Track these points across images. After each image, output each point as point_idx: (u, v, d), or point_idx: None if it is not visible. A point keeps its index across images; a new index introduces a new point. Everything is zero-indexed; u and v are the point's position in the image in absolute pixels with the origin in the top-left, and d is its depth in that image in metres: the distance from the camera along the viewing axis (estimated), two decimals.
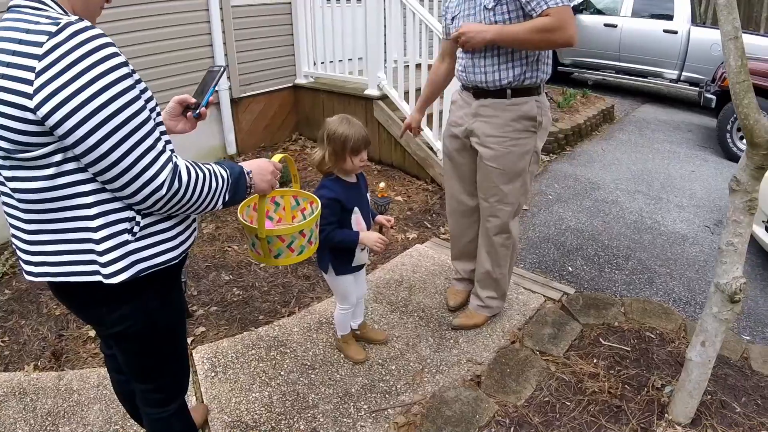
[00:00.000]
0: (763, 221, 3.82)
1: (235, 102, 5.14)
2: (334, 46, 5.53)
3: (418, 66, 4.83)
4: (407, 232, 4.17)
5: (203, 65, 4.74)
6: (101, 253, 1.33)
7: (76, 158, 1.25)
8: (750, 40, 7.74)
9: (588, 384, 2.60)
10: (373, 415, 2.42)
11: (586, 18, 9.06)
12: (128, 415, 2.17)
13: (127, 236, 1.35)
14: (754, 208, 2.08)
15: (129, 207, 1.34)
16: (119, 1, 4.05)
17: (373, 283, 3.45)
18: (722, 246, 2.17)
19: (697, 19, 8.62)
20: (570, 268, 3.78)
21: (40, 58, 1.15)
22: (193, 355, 2.76)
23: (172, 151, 1.37)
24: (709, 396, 2.49)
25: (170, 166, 1.31)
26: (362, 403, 2.49)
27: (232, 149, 5.26)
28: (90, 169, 1.26)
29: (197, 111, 1.66)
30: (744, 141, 6.17)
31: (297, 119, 5.91)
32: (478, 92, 2.58)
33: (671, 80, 8.60)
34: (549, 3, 2.21)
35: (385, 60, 5.10)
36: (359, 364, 2.75)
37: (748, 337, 3.13)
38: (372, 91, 5.15)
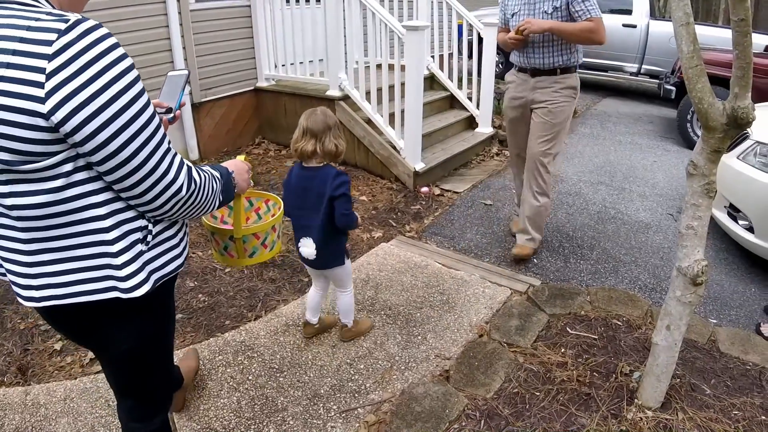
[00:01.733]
0: (725, 206, 3.88)
1: (196, 107, 5.05)
2: (295, 48, 5.47)
3: (379, 66, 4.80)
4: (372, 231, 4.13)
5: (163, 71, 4.64)
6: (120, 267, 1.26)
7: (87, 167, 1.17)
8: (709, 32, 7.91)
9: (556, 373, 2.60)
10: (343, 415, 2.38)
11: None
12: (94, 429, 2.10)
13: (141, 246, 1.29)
14: (712, 192, 2.09)
15: (141, 216, 1.29)
16: (88, 6, 3.96)
17: None
18: (682, 230, 2.18)
19: (656, 13, 8.77)
20: (535, 260, 3.78)
21: (50, 58, 1.04)
22: None
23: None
24: (678, 379, 2.51)
25: (185, 168, 1.29)
26: (332, 403, 2.44)
27: (194, 155, 5.16)
28: (108, 177, 1.18)
29: (171, 115, 1.59)
30: None
31: (259, 122, 5.82)
32: (535, 72, 3.47)
33: (631, 74, 8.74)
34: (591, 13, 3.19)
35: (346, 61, 5.06)
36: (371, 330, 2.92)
37: (715, 321, 3.16)
38: (333, 92, 5.11)
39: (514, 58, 3.61)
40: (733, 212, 3.79)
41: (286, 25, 5.41)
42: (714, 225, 4.13)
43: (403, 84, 4.62)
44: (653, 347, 2.32)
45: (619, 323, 3.00)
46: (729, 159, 3.90)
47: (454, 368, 2.64)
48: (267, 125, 5.78)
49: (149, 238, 1.31)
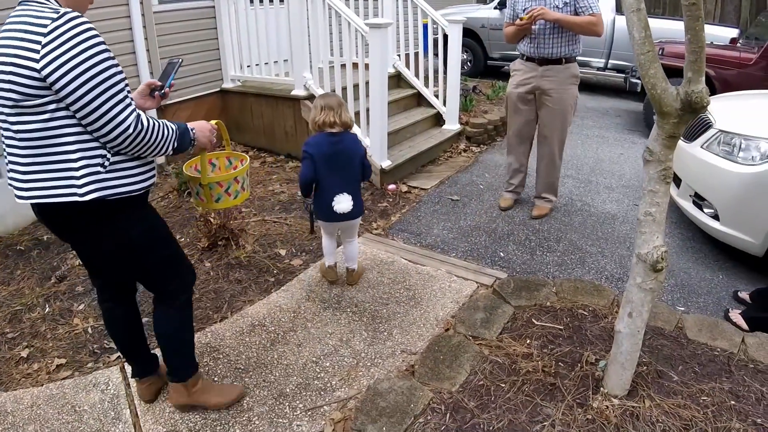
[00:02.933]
0: (690, 196, 3.92)
1: (161, 109, 4.95)
2: (260, 49, 5.41)
3: (344, 66, 4.75)
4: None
5: (127, 73, 4.56)
6: (78, 178, 1.75)
7: (65, 108, 1.69)
8: (676, 26, 8.03)
9: (522, 364, 2.58)
10: (309, 413, 2.34)
11: None
12: None
13: (99, 168, 1.77)
14: (669, 177, 2.09)
15: (103, 146, 1.77)
16: None
17: (305, 282, 3.37)
18: (640, 216, 2.18)
19: (622, 9, 8.86)
20: (502, 254, 3.77)
21: (44, 35, 1.61)
22: (125, 368, 2.63)
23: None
24: (645, 367, 2.51)
25: (135, 114, 1.77)
26: (297, 402, 2.41)
27: (160, 158, 5.06)
28: (77, 115, 1.70)
29: (162, 91, 2.13)
30: None
31: (226, 124, 5.71)
32: (543, 61, 3.91)
33: (598, 68, 8.81)
34: (593, 9, 3.70)
35: (311, 60, 5.02)
36: None
37: (682, 308, 3.19)
38: (299, 92, 5.07)
39: (522, 48, 4.03)
40: (699, 201, 3.83)
41: (251, 26, 5.35)
42: (680, 214, 4.21)
43: (368, 82, 4.60)
44: (616, 335, 2.31)
45: (585, 313, 3.00)
46: (693, 148, 3.94)
47: (419, 363, 2.61)
48: (234, 126, 5.69)
49: (106, 163, 1.79)
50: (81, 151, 1.74)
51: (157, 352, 2.44)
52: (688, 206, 3.94)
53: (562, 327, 2.87)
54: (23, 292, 3.34)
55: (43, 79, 1.63)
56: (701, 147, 3.85)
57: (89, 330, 2.96)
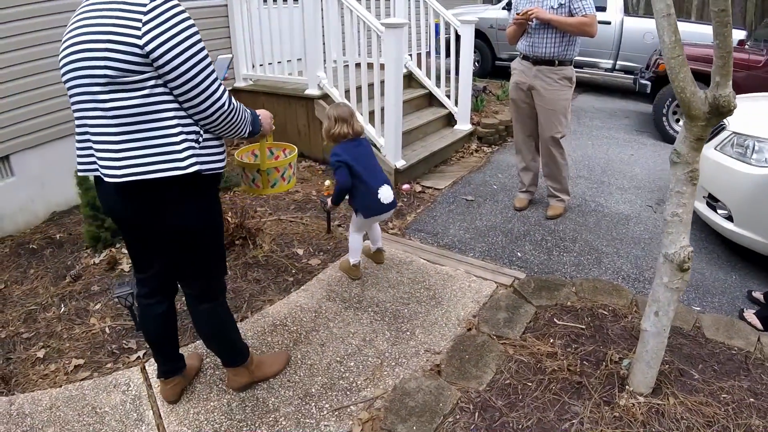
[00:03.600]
0: (704, 197, 3.95)
1: None
2: (273, 48, 5.43)
3: (358, 65, 4.78)
4: None
5: None
6: (180, 152, 1.81)
7: (163, 85, 1.74)
8: (689, 29, 8.07)
9: (547, 363, 2.61)
10: (336, 413, 2.36)
11: None
12: None
13: (194, 144, 1.85)
14: (695, 179, 2.12)
15: (196, 124, 1.85)
16: (38, 11, 3.89)
17: (325, 282, 3.39)
18: (667, 217, 2.21)
19: (630, 10, 8.90)
20: (519, 254, 3.80)
21: (144, 13, 1.67)
22: (146, 368, 2.64)
23: None
24: (667, 365, 2.54)
25: (227, 92, 1.88)
26: (324, 402, 2.42)
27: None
28: (175, 91, 1.76)
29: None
30: (680, 123, 6.44)
31: None
32: (537, 61, 3.99)
33: (606, 70, 8.84)
34: (587, 10, 3.76)
35: (325, 59, 5.04)
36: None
37: (698, 308, 3.22)
38: (312, 91, 5.08)
39: (520, 47, 4.14)
40: (712, 202, 3.85)
41: (264, 25, 5.37)
42: (694, 215, 4.19)
43: (382, 82, 4.62)
44: (642, 333, 2.34)
45: (605, 313, 3.03)
46: (707, 150, 3.94)
47: (445, 362, 2.64)
48: None
49: (200, 140, 1.87)
50: (180, 126, 1.80)
51: (183, 351, 2.46)
52: (701, 207, 3.96)
53: (584, 326, 2.90)
54: (37, 292, 3.34)
55: (146, 55, 1.67)
56: (715, 149, 3.88)
57: (107, 330, 2.95)
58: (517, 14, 3.92)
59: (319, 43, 4.85)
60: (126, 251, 3.45)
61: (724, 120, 3.95)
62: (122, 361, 2.74)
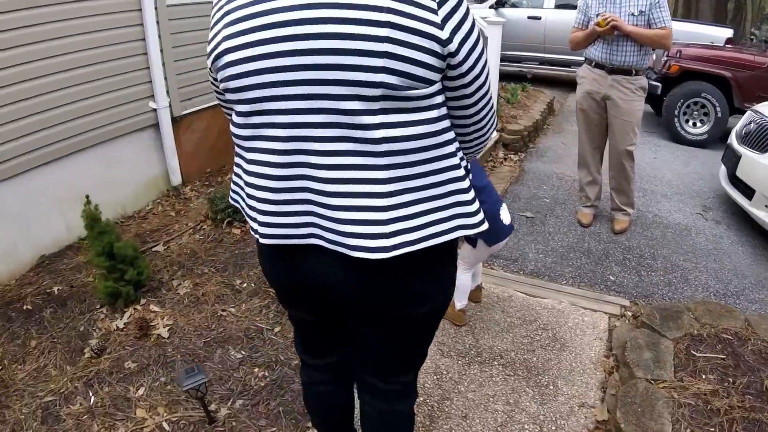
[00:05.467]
0: (765, 206, 3.98)
1: (176, 121, 4.37)
2: None
3: None
4: None
5: (138, 79, 3.99)
6: (470, 203, 1.27)
7: (445, 102, 1.20)
8: (692, 29, 8.17)
9: (715, 404, 2.39)
10: None
11: (508, 12, 9.13)
12: None
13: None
14: None
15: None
16: (35, 1, 3.21)
17: None
18: None
19: None
20: (612, 278, 3.62)
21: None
22: None
23: None
24: None
25: None
26: None
27: (176, 178, 4.47)
28: (460, 103, 1.23)
29: None
30: (691, 125, 6.44)
31: None
32: (613, 70, 3.86)
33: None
34: (666, 22, 3.67)
35: None
36: None
37: None
38: None
39: (593, 53, 3.97)
40: None
41: None
42: (745, 222, 4.42)
43: None
44: None
45: (730, 337, 2.86)
46: (766, 159, 4.05)
47: (623, 420, 2.34)
48: None
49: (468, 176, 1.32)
50: (462, 162, 1.28)
51: None
52: (762, 215, 4.00)
53: (723, 356, 2.71)
54: (48, 373, 2.58)
55: (446, 55, 1.12)
56: None
57: (165, 426, 2.29)
58: (598, 23, 3.71)
59: None
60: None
61: None
62: None
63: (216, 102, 4.66)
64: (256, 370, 2.63)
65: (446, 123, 1.21)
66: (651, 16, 3.67)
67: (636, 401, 2.42)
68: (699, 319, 3.02)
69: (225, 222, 3.88)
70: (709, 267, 3.76)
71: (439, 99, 1.17)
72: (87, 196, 2.95)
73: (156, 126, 4.24)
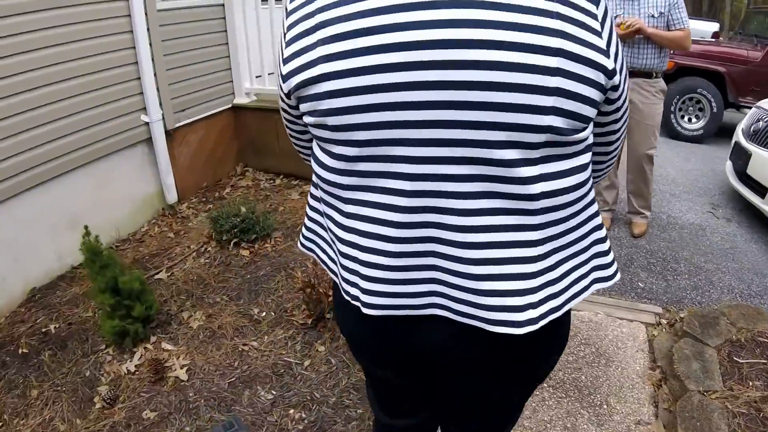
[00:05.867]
0: None
1: (169, 134, 4.14)
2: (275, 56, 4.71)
3: None
4: None
5: (130, 91, 3.76)
6: (607, 253, 1.08)
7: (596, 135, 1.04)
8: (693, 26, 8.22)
9: (767, 411, 2.35)
10: None
11: None
12: None
13: None
14: None
15: None
16: (14, 9, 2.97)
17: None
18: None
19: None
20: (641, 285, 3.54)
21: (597, 16, 0.87)
22: None
23: None
24: None
25: None
26: None
27: (172, 196, 4.23)
28: (611, 138, 1.08)
29: None
30: (687, 120, 6.45)
31: (239, 147, 4.95)
32: (633, 73, 3.77)
33: None
34: (684, 24, 3.67)
35: None
36: None
37: None
38: None
39: None
40: None
41: (265, 29, 4.64)
42: (756, 220, 4.44)
43: None
44: None
45: (766, 340, 2.82)
46: None
47: None
48: (249, 150, 4.93)
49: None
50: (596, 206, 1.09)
51: None
52: None
53: (765, 360, 2.67)
54: (56, 429, 2.30)
55: (607, 90, 0.91)
56: None
57: None
58: (619, 25, 3.68)
59: None
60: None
61: None
62: None
63: (210, 113, 4.54)
64: (292, 411, 2.41)
65: (588, 171, 1.00)
66: (670, 17, 3.67)
67: (694, 415, 2.36)
68: (735, 323, 2.98)
69: (231, 243, 3.66)
70: (729, 267, 3.74)
71: (591, 140, 0.98)
72: (86, 227, 2.70)
73: (149, 141, 4.01)
